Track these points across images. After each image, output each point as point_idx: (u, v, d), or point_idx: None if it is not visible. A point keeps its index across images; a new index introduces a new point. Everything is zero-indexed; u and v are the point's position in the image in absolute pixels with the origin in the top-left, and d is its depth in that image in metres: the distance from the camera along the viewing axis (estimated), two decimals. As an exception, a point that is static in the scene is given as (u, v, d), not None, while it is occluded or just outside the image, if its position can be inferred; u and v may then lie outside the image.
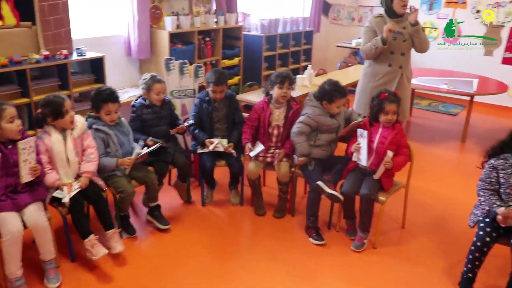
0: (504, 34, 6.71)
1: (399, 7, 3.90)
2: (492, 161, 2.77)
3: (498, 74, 6.33)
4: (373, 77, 4.14)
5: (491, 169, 2.75)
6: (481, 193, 2.74)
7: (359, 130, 3.11)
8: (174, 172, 3.66)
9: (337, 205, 3.33)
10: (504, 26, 6.68)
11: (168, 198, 3.71)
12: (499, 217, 2.56)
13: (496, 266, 2.94)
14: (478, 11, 6.80)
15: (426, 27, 7.07)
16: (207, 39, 5.25)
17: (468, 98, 5.38)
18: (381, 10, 4.10)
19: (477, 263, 2.64)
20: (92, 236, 2.77)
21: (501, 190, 2.70)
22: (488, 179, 2.74)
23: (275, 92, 3.44)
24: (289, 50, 6.64)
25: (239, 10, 5.88)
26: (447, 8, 7.03)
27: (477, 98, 5.46)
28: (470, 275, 2.69)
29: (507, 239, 2.62)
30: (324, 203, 3.31)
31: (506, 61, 6.78)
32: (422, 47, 4.04)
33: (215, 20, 5.34)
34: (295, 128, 3.33)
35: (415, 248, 3.24)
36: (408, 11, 3.93)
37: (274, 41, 6.29)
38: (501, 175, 2.70)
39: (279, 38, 6.37)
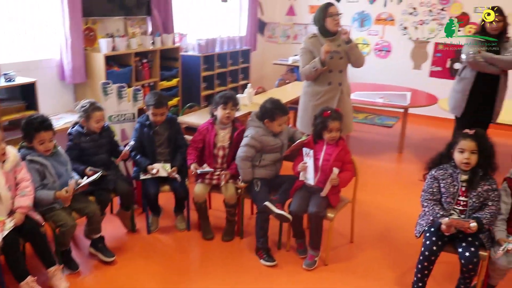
0: (430, 49, 7.09)
1: (332, 25, 4.01)
2: (432, 172, 2.87)
3: (426, 87, 6.66)
4: (314, 96, 4.18)
5: (432, 180, 2.84)
6: (425, 204, 2.83)
7: (305, 149, 3.12)
8: (116, 200, 3.51)
9: (286, 225, 3.31)
10: (429, 41, 7.07)
11: (111, 228, 3.54)
12: (443, 227, 2.64)
13: (441, 273, 3.02)
14: (405, 28, 7.16)
15: (358, 43, 7.33)
16: (144, 60, 5.14)
17: (402, 110, 5.61)
18: (315, 29, 4.18)
19: (426, 272, 2.72)
20: (29, 278, 2.58)
21: (443, 199, 2.80)
22: (431, 190, 2.83)
23: (219, 113, 3.40)
24: (227, 69, 6.64)
25: (175, 30, 5.81)
26: (377, 25, 7.36)
27: (410, 110, 5.69)
28: (420, 284, 2.77)
29: (452, 247, 2.73)
30: (273, 223, 3.29)
31: (433, 74, 7.16)
32: (358, 63, 4.16)
33: (152, 41, 5.24)
34: (241, 152, 3.31)
35: (365, 262, 3.29)
36: (340, 29, 4.05)
37: (212, 60, 6.26)
38: (441, 185, 2.80)
39: (217, 57, 6.35)
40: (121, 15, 5.11)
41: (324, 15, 4.01)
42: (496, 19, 4.21)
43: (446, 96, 5.67)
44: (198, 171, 3.36)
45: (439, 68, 7.10)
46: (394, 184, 4.77)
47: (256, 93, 5.59)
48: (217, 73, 6.41)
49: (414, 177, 4.86)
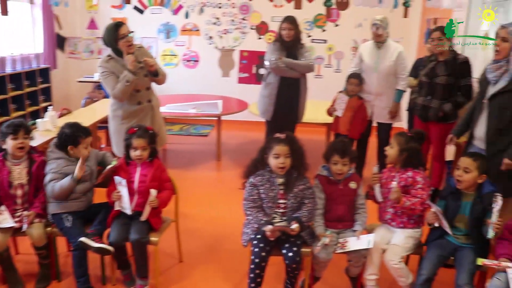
0: (236, 56, 7.38)
1: (125, 47, 3.72)
2: (251, 179, 2.88)
3: (237, 93, 6.92)
4: (125, 118, 3.85)
5: (251, 188, 2.86)
6: (248, 212, 2.84)
7: (117, 178, 2.87)
8: None
9: (108, 257, 3.01)
10: (234, 49, 7.35)
11: None
12: (267, 233, 2.68)
13: (270, 274, 3.04)
14: (211, 37, 7.31)
15: (167, 55, 7.28)
16: None
17: (215, 118, 5.69)
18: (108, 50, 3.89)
19: (258, 279, 2.73)
20: None
21: (264, 205, 2.84)
22: (252, 197, 2.84)
23: (10, 145, 2.93)
24: (24, 91, 5.94)
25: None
26: (183, 35, 7.37)
27: (223, 117, 5.78)
28: (255, 291, 2.77)
29: (278, 249, 2.77)
30: (93, 257, 2.96)
31: (241, 80, 7.46)
32: (161, 83, 4.03)
33: None
34: (50, 190, 2.94)
35: (198, 279, 3.19)
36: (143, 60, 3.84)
37: (4, 82, 5.52)
38: (261, 191, 2.84)
39: (9, 78, 5.62)
40: None
41: (115, 37, 3.74)
42: (288, 27, 4.51)
43: (255, 100, 5.94)
44: None
45: (246, 74, 7.43)
46: (216, 193, 4.77)
47: (61, 116, 5.07)
48: (12, 97, 5.68)
49: (235, 183, 4.93)
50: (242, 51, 7.34)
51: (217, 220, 4.06)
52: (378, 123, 4.91)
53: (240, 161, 5.72)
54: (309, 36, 7.16)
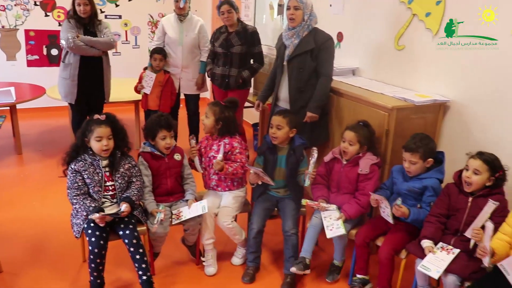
0: (21, 37, 6.60)
1: None
2: (72, 166, 2.73)
3: (27, 78, 6.27)
4: None
5: (74, 174, 2.71)
6: (74, 201, 2.69)
7: None
8: None
9: None
10: (18, 29, 6.55)
11: None
12: (97, 220, 2.59)
13: (112, 259, 2.92)
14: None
15: None
16: None
17: (8, 108, 5.08)
18: None
19: (100, 267, 2.65)
20: None
21: (91, 191, 2.73)
22: (76, 185, 2.70)
23: None
24: None
25: None
26: None
27: (18, 105, 5.14)
28: (98, 281, 2.68)
29: (114, 232, 2.72)
30: None
31: (31, 63, 6.73)
32: None
33: None
34: None
35: (27, 287, 2.89)
36: None
37: None
38: (85, 176, 2.71)
39: None
40: None
41: None
42: (84, 2, 4.25)
43: (51, 84, 5.48)
44: None
45: (36, 57, 6.73)
46: (26, 191, 4.25)
47: None
48: None
49: (45, 177, 4.55)
50: (27, 31, 6.57)
51: (34, 220, 3.67)
52: (186, 95, 5.03)
53: (45, 151, 5.27)
54: (103, 12, 6.81)
